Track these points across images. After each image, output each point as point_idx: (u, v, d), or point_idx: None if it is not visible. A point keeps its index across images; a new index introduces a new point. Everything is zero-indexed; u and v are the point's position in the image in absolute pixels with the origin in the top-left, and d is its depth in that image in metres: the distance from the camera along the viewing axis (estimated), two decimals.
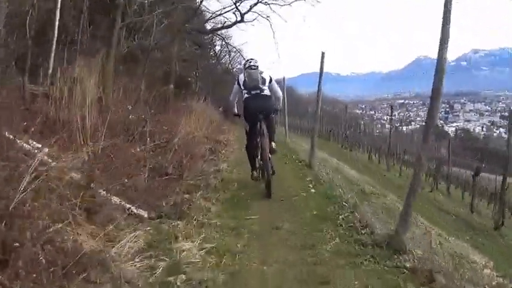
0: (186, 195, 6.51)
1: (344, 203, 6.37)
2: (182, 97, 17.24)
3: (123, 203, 5.17)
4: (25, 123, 5.81)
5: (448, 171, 24.58)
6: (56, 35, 9.64)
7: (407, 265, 4.00)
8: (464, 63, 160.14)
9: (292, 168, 10.04)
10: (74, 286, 3.21)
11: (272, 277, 3.90)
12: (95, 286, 3.36)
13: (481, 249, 8.41)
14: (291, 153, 12.26)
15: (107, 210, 4.69)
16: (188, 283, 3.68)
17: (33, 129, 5.54)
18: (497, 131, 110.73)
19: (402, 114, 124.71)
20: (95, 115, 7.17)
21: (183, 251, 4.23)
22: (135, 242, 4.30)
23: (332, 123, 47.11)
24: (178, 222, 5.18)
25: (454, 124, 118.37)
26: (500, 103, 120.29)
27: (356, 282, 3.76)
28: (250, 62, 7.68)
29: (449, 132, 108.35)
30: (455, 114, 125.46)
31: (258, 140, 7.42)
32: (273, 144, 7.60)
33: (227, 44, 26.71)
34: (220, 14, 21.19)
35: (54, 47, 9.55)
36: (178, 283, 3.65)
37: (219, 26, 22.65)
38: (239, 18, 20.54)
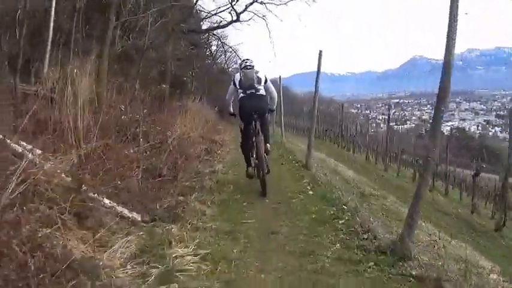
0: (181, 197, 6.35)
1: (343, 206, 6.19)
2: (178, 97, 17.08)
3: (115, 206, 5.01)
4: (15, 124, 5.64)
5: (446, 171, 24.36)
6: (51, 35, 9.50)
7: (414, 273, 3.80)
8: (460, 62, 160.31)
9: (288, 169, 9.88)
10: None
11: (270, 286, 3.74)
12: None
13: (482, 251, 8.27)
14: (288, 154, 12.11)
15: (98, 214, 4.53)
16: None
17: (21, 128, 5.35)
18: (493, 130, 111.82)
19: (397, 113, 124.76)
20: (88, 115, 6.99)
21: (177, 257, 4.05)
22: (127, 247, 4.15)
23: (328, 123, 47.09)
24: (172, 226, 5.00)
25: (450, 123, 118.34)
26: (496, 102, 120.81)
27: None
28: (246, 62, 7.63)
29: (445, 131, 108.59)
30: (451, 113, 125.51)
31: (253, 139, 7.44)
32: (268, 146, 7.67)
33: (223, 43, 26.73)
34: (215, 14, 21.27)
35: (49, 47, 9.41)
36: None
37: (215, 25, 22.59)
38: (235, 18, 20.67)
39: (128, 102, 9.79)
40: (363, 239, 4.86)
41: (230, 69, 32.05)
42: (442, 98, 4.17)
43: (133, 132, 7.94)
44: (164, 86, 13.57)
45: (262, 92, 7.59)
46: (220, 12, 20.88)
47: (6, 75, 8.71)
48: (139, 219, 5.07)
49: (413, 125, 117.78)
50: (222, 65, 32.74)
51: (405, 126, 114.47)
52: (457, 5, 3.85)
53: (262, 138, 7.39)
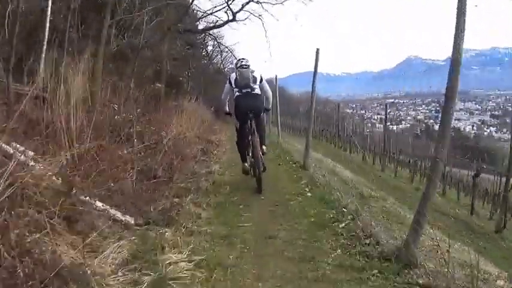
0: (176, 199, 6.19)
1: (343, 209, 6.01)
2: (173, 97, 17.01)
3: (108, 209, 4.84)
4: (6, 124, 5.47)
5: (444, 171, 24.13)
6: (47, 35, 9.34)
7: (420, 281, 3.61)
8: None
9: (286, 169, 9.72)
10: None
11: None
12: None
13: (483, 253, 8.12)
14: (285, 154, 11.95)
15: (89, 217, 4.37)
16: None
17: (13, 129, 5.21)
18: (488, 130, 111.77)
19: (392, 113, 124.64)
20: (81, 115, 6.83)
21: (170, 264, 3.88)
22: (119, 252, 3.99)
23: (324, 123, 46.93)
24: (166, 229, 4.85)
25: None
26: (491, 102, 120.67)
27: None
28: (241, 61, 7.75)
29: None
30: None
31: (249, 138, 7.56)
32: (264, 147, 7.84)
33: (219, 43, 26.58)
34: (212, 13, 21.06)
35: (45, 47, 9.25)
36: None
37: (211, 25, 22.49)
38: (231, 17, 20.46)
39: (122, 101, 9.65)
40: (365, 244, 4.66)
41: (226, 69, 31.99)
42: (450, 98, 3.96)
43: (127, 132, 7.80)
44: (158, 84, 13.46)
45: (257, 91, 7.69)
46: (217, 11, 20.71)
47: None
48: (132, 222, 4.92)
49: (409, 125, 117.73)
50: (218, 65, 32.66)
51: (400, 126, 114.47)
52: None
53: (258, 138, 7.51)
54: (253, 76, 7.62)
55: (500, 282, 4.04)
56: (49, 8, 9.39)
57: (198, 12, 22.37)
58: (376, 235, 4.82)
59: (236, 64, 8.00)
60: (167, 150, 8.29)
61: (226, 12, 20.41)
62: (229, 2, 19.87)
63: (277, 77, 18.26)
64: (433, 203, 13.41)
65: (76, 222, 4.17)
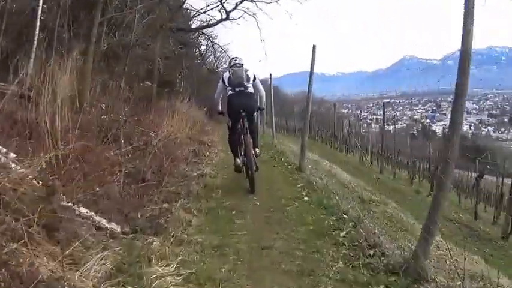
0: (165, 205, 5.88)
1: (343, 215, 5.69)
2: (166, 96, 16.78)
3: (92, 215, 4.54)
4: None
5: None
6: (37, 34, 9.13)
7: None
8: (451, 62, 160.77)
9: (281, 172, 9.44)
10: None
11: None
12: None
13: (490, 261, 7.83)
14: (279, 155, 11.65)
15: (71, 225, 4.07)
16: None
17: None
18: (485, 130, 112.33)
19: (388, 113, 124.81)
20: (68, 115, 6.54)
21: (157, 278, 3.56)
22: (103, 264, 3.68)
23: (319, 123, 46.78)
24: (154, 238, 4.52)
25: (442, 123, 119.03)
26: (488, 101, 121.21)
27: None
28: (235, 60, 7.82)
29: (437, 131, 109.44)
30: (443, 112, 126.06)
31: (242, 137, 7.61)
32: (257, 150, 7.88)
33: (213, 43, 26.36)
34: (205, 12, 20.99)
35: (35, 46, 9.01)
36: None
37: (204, 24, 22.33)
38: (224, 16, 20.47)
39: (111, 101, 9.40)
40: (369, 255, 4.31)
41: (220, 69, 31.73)
42: (460, 95, 3.70)
43: (115, 133, 7.49)
44: (148, 83, 13.22)
45: (251, 89, 7.72)
46: (210, 10, 20.58)
47: None
48: (118, 230, 4.62)
49: (405, 125, 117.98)
50: (212, 65, 32.42)
51: (396, 126, 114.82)
52: None
53: (251, 139, 7.54)
54: (247, 75, 7.62)
55: None
56: (40, 7, 9.19)
57: (191, 11, 22.29)
58: (380, 245, 4.48)
59: (230, 63, 7.99)
60: (157, 151, 7.96)
61: (219, 11, 20.49)
62: (223, 1, 19.87)
63: (272, 77, 17.97)
64: None
65: (57, 231, 3.88)
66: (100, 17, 11.29)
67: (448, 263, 4.18)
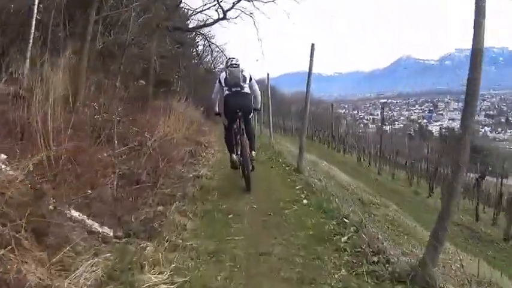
0: (160, 207, 5.73)
1: (344, 219, 5.49)
2: (162, 96, 16.67)
3: (84, 219, 4.38)
4: None
5: (443, 173, 23.62)
6: (32, 32, 9.00)
7: None
8: (449, 62, 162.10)
9: (279, 173, 9.25)
10: None
11: None
12: None
13: (493, 264, 7.70)
14: (277, 156, 11.46)
15: (61, 230, 3.92)
16: None
17: None
18: (482, 130, 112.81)
19: (385, 113, 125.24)
20: (62, 115, 6.38)
21: (149, 286, 3.42)
22: (93, 271, 3.53)
23: (317, 123, 46.77)
24: (148, 243, 4.36)
25: (438, 123, 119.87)
26: (485, 102, 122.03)
27: None
28: (231, 60, 7.88)
29: (434, 131, 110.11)
30: (439, 113, 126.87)
31: (238, 138, 7.74)
32: (253, 153, 7.89)
33: (210, 43, 26.25)
34: (202, 11, 20.96)
35: (30, 45, 8.88)
36: None
37: (201, 23, 22.25)
38: (221, 16, 20.42)
39: (106, 100, 9.26)
40: (373, 262, 4.11)
41: (217, 69, 31.67)
42: (472, 94, 3.52)
43: (109, 133, 7.33)
44: (142, 82, 13.06)
45: (247, 90, 7.78)
46: (207, 9, 20.51)
47: None
48: (111, 234, 4.46)
49: (402, 125, 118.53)
50: (209, 64, 32.34)
51: (393, 126, 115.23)
52: None
53: (247, 141, 7.61)
54: (243, 75, 7.70)
55: None
56: (35, 6, 9.05)
57: (188, 10, 22.23)
58: (385, 251, 4.29)
59: (226, 63, 8.08)
60: (152, 152, 7.83)
61: (216, 10, 20.43)
62: (220, 0, 19.75)
63: (269, 77, 17.83)
64: (436, 209, 13.08)
65: (46, 236, 3.74)
66: (95, 16, 11.15)
67: (453, 268, 4.02)
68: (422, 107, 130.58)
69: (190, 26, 23.41)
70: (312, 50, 9.00)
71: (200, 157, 11.10)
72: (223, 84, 7.75)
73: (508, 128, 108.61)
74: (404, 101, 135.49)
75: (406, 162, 30.33)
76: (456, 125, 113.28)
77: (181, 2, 20.10)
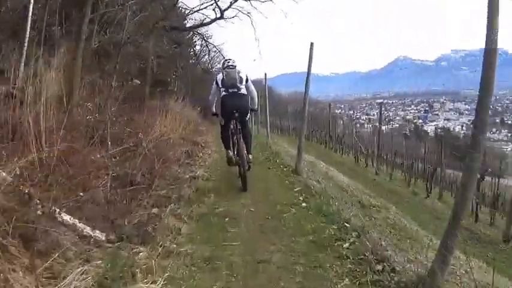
0: (155, 210, 5.57)
1: (346, 223, 5.29)
2: (159, 96, 16.52)
3: (76, 222, 4.21)
4: None
5: (441, 174, 23.44)
6: (28, 31, 8.85)
7: None
8: (445, 63, 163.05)
9: (277, 174, 9.08)
10: None
11: None
12: None
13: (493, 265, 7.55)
14: (275, 157, 11.33)
15: (51, 234, 3.75)
16: None
17: None
18: None
19: (379, 113, 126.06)
20: (54, 115, 6.23)
21: None
22: (83, 280, 3.36)
23: (313, 123, 46.69)
24: (141, 248, 4.20)
25: (434, 123, 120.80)
26: None
27: None
28: (228, 62, 7.97)
29: (429, 131, 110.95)
30: (435, 113, 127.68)
31: (234, 138, 7.81)
32: (250, 156, 7.87)
33: (207, 42, 26.18)
34: (199, 10, 20.89)
35: (26, 44, 8.74)
36: None
37: (198, 23, 22.13)
38: (219, 15, 20.43)
39: (99, 100, 9.12)
40: (378, 271, 3.88)
41: (214, 69, 31.66)
42: (486, 93, 3.33)
43: (102, 134, 7.17)
44: (137, 81, 12.92)
45: (243, 91, 7.86)
46: (204, 8, 20.50)
47: None
48: (103, 238, 4.29)
49: (397, 125, 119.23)
50: (206, 64, 32.27)
51: (389, 126, 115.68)
52: None
53: (244, 144, 7.63)
54: (240, 76, 7.78)
55: None
56: (31, 5, 8.91)
57: (186, 9, 22.16)
58: (389, 259, 4.07)
59: (223, 64, 8.12)
60: (147, 153, 7.67)
61: (214, 9, 20.53)
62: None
63: (266, 77, 17.69)
64: (433, 208, 12.93)
65: (35, 242, 3.56)
66: (91, 14, 10.98)
67: (458, 273, 3.86)
68: (418, 107, 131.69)
69: (188, 25, 23.33)
70: (311, 49, 8.84)
71: (197, 157, 10.96)
72: (220, 86, 7.80)
73: (502, 128, 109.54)
74: (400, 101, 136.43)
75: (403, 162, 30.26)
76: (452, 125, 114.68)
77: (178, 1, 19.99)
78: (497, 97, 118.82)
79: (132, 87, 12.07)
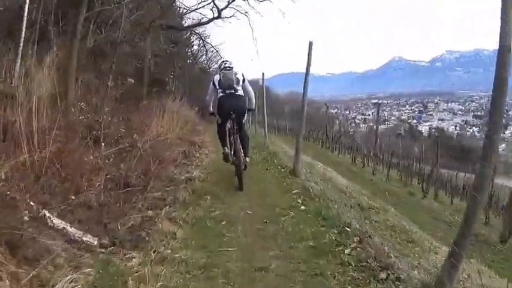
0: (149, 212, 5.41)
1: (346, 228, 5.11)
2: (156, 96, 16.40)
3: (67, 227, 4.05)
4: None
5: (436, 173, 23.36)
6: (23, 31, 8.73)
7: None
8: (439, 64, 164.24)
9: (274, 175, 8.93)
10: None
11: None
12: None
13: (493, 267, 7.44)
14: (272, 157, 11.19)
15: (41, 240, 3.60)
16: None
17: None
18: (470, 130, 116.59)
19: (377, 113, 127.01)
20: (47, 115, 6.09)
21: None
22: None
23: (309, 123, 46.66)
24: (134, 254, 4.05)
25: (428, 123, 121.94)
26: (474, 103, 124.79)
27: None
28: (225, 63, 8.02)
29: (423, 131, 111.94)
30: (429, 113, 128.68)
31: (231, 138, 7.92)
32: (247, 159, 7.99)
33: (205, 42, 26.12)
34: (196, 9, 20.90)
35: (22, 44, 8.61)
36: None
37: (196, 22, 22.03)
38: (216, 15, 20.43)
39: (97, 100, 8.98)
40: (382, 280, 3.73)
41: (211, 69, 31.62)
42: (500, 93, 3.15)
43: (96, 135, 7.02)
44: (131, 80, 12.77)
45: (240, 92, 7.97)
46: (201, 7, 20.45)
47: None
48: (95, 243, 4.13)
49: (392, 125, 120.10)
50: (204, 64, 32.24)
51: (383, 126, 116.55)
52: None
53: (241, 146, 7.81)
54: (237, 78, 7.85)
55: None
56: (26, 5, 8.83)
57: (183, 9, 22.11)
58: (393, 266, 3.90)
59: (220, 66, 8.20)
60: (143, 154, 7.53)
61: (211, 9, 20.50)
62: None
63: (264, 76, 17.59)
64: (431, 209, 12.82)
65: (23, 248, 3.40)
66: (86, 12, 10.86)
67: (461, 277, 3.71)
68: (413, 108, 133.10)
69: (185, 25, 23.29)
70: (309, 49, 8.72)
71: (194, 158, 10.80)
72: (217, 87, 7.92)
73: None
74: (395, 102, 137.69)
75: (399, 162, 30.22)
76: (446, 125, 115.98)
77: (175, 0, 19.89)
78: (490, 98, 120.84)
79: (128, 87, 11.90)
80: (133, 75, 15.63)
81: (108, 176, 5.93)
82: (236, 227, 5.36)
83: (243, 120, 8.18)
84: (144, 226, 4.84)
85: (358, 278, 3.83)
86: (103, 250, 4.08)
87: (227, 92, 7.84)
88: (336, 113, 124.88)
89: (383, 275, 3.78)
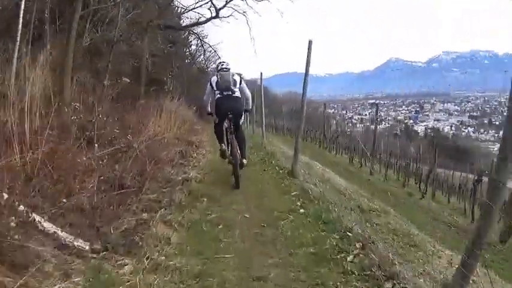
0: (144, 215, 5.23)
1: (348, 233, 4.91)
2: (154, 95, 16.31)
3: (58, 231, 3.90)
4: None
5: (434, 173, 23.24)
6: (20, 30, 8.58)
7: None
8: (436, 64, 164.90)
9: (272, 177, 8.79)
10: None
11: None
12: None
13: (493, 268, 7.28)
14: (270, 158, 11.09)
15: (31, 245, 3.46)
16: None
17: None
18: (466, 130, 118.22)
19: (373, 114, 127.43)
20: (41, 115, 5.95)
21: None
22: None
23: (308, 123, 46.55)
24: (127, 260, 3.89)
25: (424, 124, 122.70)
26: (469, 103, 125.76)
27: None
28: (222, 65, 8.15)
29: (419, 131, 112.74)
30: (425, 114, 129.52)
31: (229, 138, 8.06)
32: (244, 161, 8.05)
33: (203, 42, 26.03)
34: (194, 8, 20.84)
35: (18, 42, 8.46)
36: None
37: (194, 22, 21.95)
38: (214, 14, 20.44)
39: (93, 99, 8.86)
40: None
41: (209, 68, 31.59)
42: None
43: (90, 135, 6.86)
44: (126, 79, 12.60)
45: (237, 93, 8.06)
46: (199, 7, 20.36)
47: None
48: (86, 248, 3.96)
49: (389, 125, 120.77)
50: (202, 64, 32.20)
51: (381, 126, 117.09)
52: None
53: (237, 143, 7.89)
54: (234, 79, 7.98)
55: None
56: (23, 2, 8.65)
57: (181, 8, 22.04)
58: (399, 275, 3.68)
59: (217, 67, 8.36)
60: (139, 154, 7.37)
61: (209, 8, 20.47)
62: None
63: (262, 76, 17.48)
64: (429, 209, 12.68)
65: (10, 254, 3.27)
66: (82, 10, 10.87)
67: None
68: (409, 108, 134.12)
69: (183, 24, 23.21)
70: (309, 48, 8.59)
71: (191, 158, 10.71)
72: (214, 88, 8.03)
73: (490, 129, 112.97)
74: (391, 102, 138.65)
75: (396, 162, 30.13)
76: (441, 125, 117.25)
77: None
78: (486, 98, 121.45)
79: (124, 86, 11.76)
80: (130, 74, 15.52)
81: (102, 177, 5.77)
82: (233, 231, 5.17)
83: (240, 122, 8.25)
84: (138, 230, 4.66)
85: None
86: (95, 255, 3.92)
87: (224, 93, 7.93)
88: (333, 113, 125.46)
89: (388, 285, 3.58)
